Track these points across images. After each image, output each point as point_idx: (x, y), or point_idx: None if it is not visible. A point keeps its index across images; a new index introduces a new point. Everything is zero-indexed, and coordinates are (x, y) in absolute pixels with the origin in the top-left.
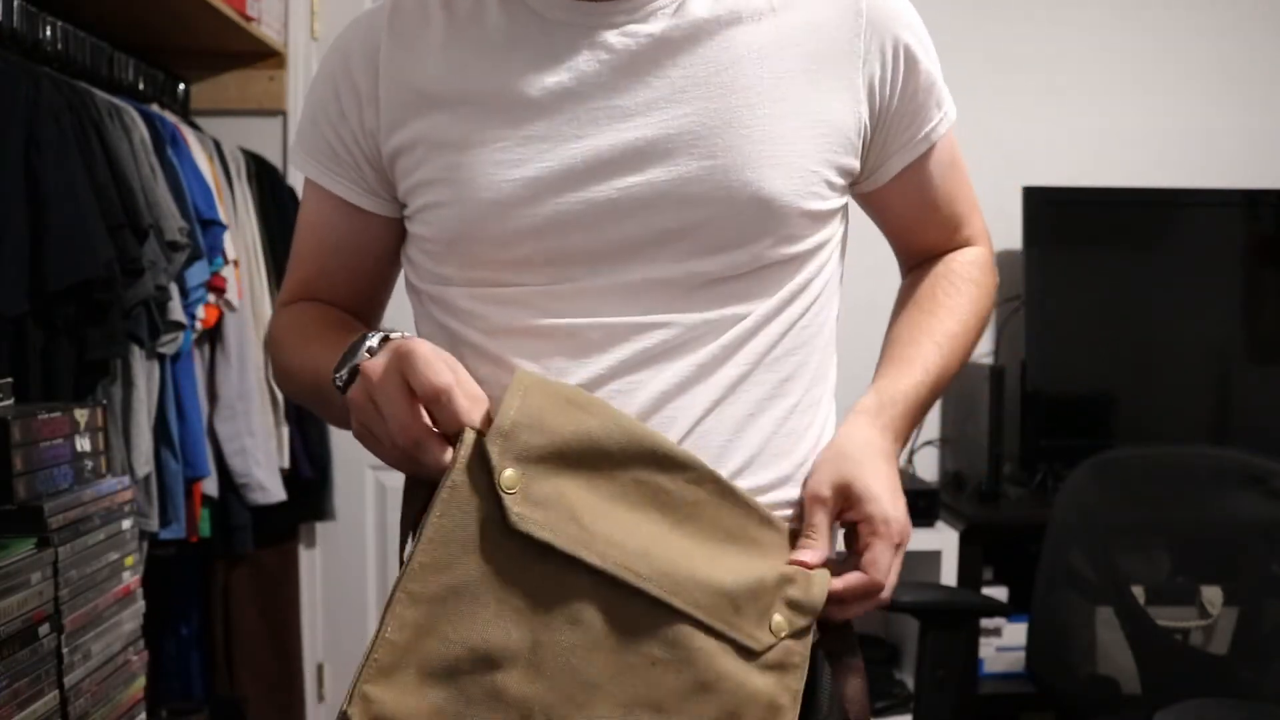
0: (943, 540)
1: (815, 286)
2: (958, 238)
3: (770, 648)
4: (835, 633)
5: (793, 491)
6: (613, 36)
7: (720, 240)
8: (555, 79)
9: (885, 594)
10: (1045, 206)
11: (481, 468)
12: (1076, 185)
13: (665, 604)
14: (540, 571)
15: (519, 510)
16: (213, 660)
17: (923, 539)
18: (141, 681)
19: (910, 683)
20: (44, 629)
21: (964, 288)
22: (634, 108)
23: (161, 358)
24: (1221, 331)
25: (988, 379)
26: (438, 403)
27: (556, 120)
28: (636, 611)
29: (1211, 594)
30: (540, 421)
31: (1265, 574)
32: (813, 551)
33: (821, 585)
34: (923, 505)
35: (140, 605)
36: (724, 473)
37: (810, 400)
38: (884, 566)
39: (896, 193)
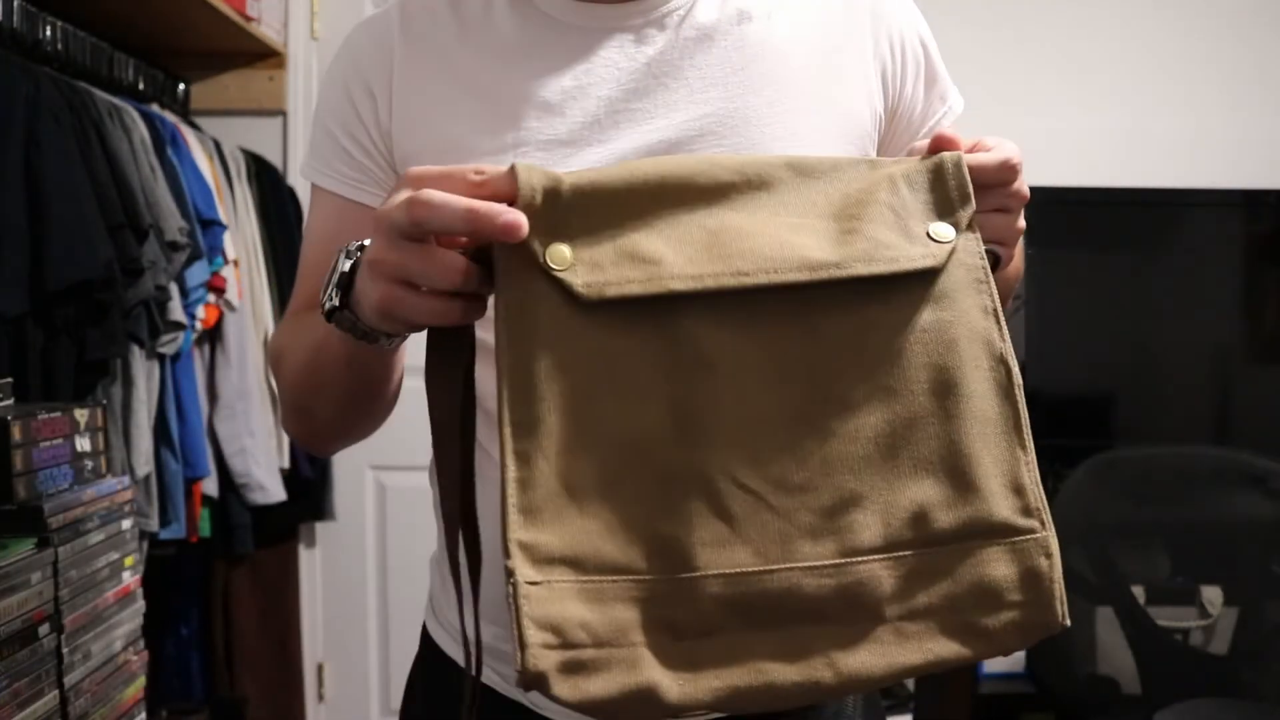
0: None
1: None
2: None
3: (947, 264)
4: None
5: None
6: (628, 39)
7: None
8: (573, 82)
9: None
10: (1045, 206)
11: (524, 264)
12: (1077, 185)
13: (798, 283)
14: (642, 334)
15: (585, 279)
16: (213, 660)
17: None
18: (141, 681)
19: (910, 683)
20: (44, 629)
21: None
22: (653, 109)
23: (161, 358)
24: (1221, 331)
25: None
26: (473, 186)
27: (576, 124)
28: (771, 314)
29: (1211, 594)
30: (564, 186)
31: (1265, 574)
32: (945, 131)
33: (958, 162)
34: None
35: (140, 605)
36: None
37: None
38: (1013, 150)
39: None
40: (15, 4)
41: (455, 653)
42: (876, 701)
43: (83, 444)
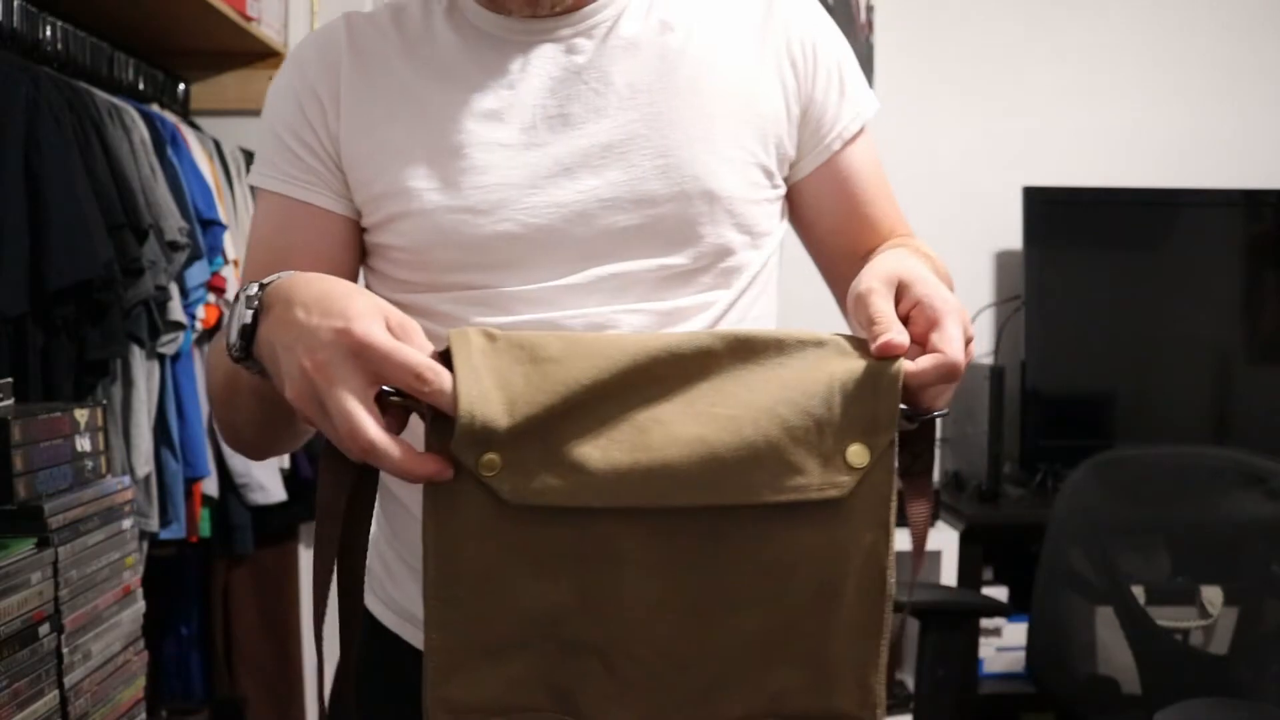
0: (943, 540)
1: (763, 279)
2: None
3: (853, 490)
4: (910, 444)
5: None
6: (559, 50)
7: (680, 234)
8: (509, 91)
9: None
10: (1045, 206)
11: (455, 466)
12: (1076, 185)
13: (708, 505)
14: (560, 529)
15: (511, 485)
16: (213, 660)
17: None
18: (141, 681)
19: (910, 683)
20: (44, 629)
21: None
22: (585, 115)
23: (161, 358)
24: (1221, 331)
25: (988, 379)
26: (414, 386)
27: (515, 130)
28: (677, 524)
29: (1211, 594)
30: (500, 390)
31: (1265, 574)
32: (892, 334)
33: (895, 392)
34: None
35: (140, 605)
36: None
37: None
38: (955, 340)
39: (819, 189)
40: (15, 4)
41: (396, 625)
42: None
43: (83, 444)
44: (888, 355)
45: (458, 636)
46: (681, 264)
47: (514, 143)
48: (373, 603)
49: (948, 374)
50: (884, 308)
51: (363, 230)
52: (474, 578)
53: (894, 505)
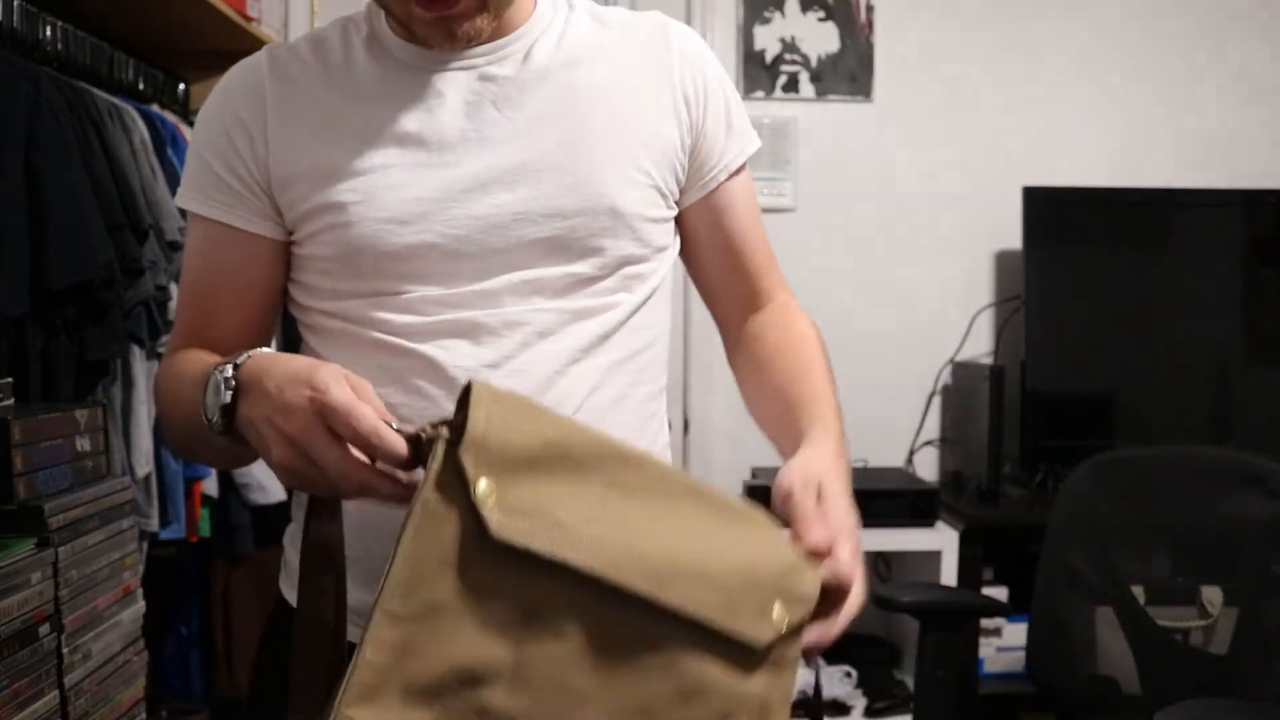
0: (943, 540)
1: (661, 292)
2: (762, 282)
3: (771, 646)
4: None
5: None
6: (473, 78)
7: (586, 245)
8: (428, 114)
9: (854, 599)
10: (1045, 206)
11: (455, 481)
12: (1076, 185)
13: (654, 605)
14: (521, 582)
15: (498, 519)
16: (213, 660)
17: (923, 539)
18: (141, 681)
19: (910, 683)
20: (44, 629)
21: (812, 334)
22: (499, 137)
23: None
24: (1221, 331)
25: (988, 379)
26: (369, 445)
27: (434, 150)
28: (623, 616)
29: (1211, 594)
30: (509, 430)
31: (1265, 574)
32: (818, 534)
33: (815, 579)
34: (923, 505)
35: (140, 605)
36: None
37: (659, 388)
38: (850, 566)
39: (698, 219)
40: (15, 4)
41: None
42: None
43: (83, 444)
44: (813, 556)
45: (387, 660)
46: (587, 272)
47: (433, 162)
48: (289, 591)
49: (839, 591)
50: (812, 508)
51: (291, 245)
52: (428, 607)
53: (794, 677)
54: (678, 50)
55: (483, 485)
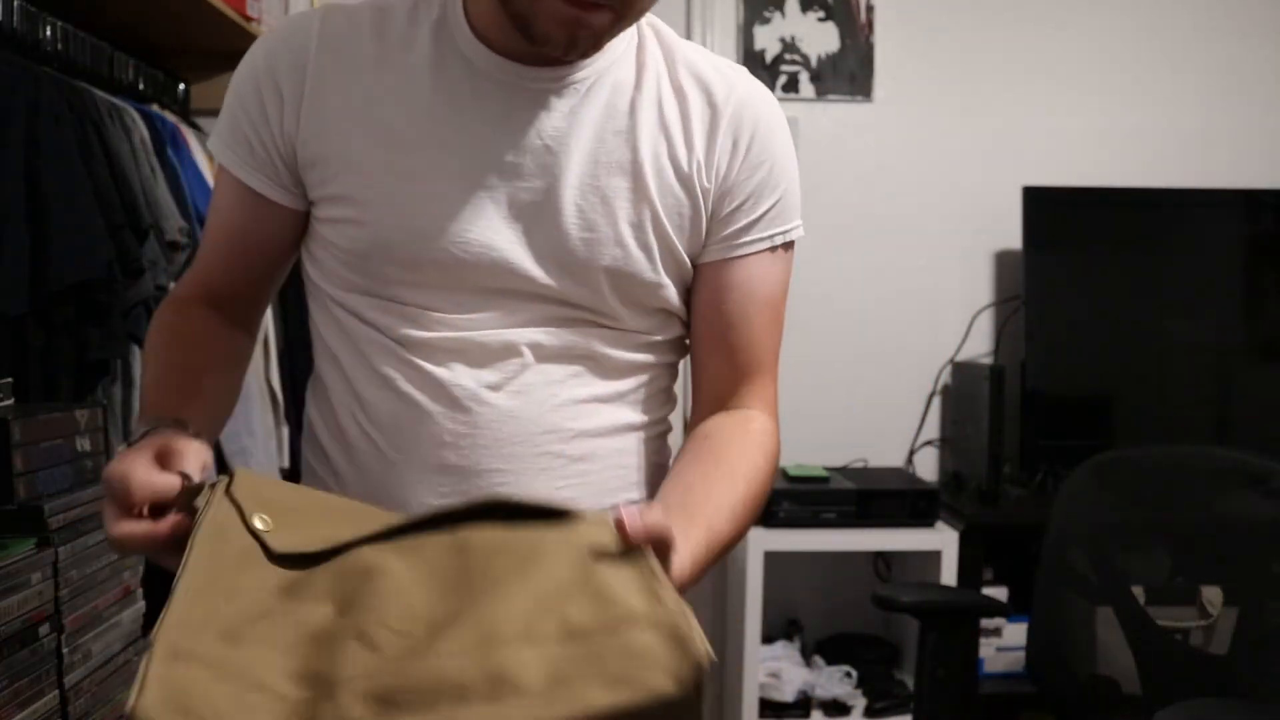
0: (943, 540)
1: (661, 352)
2: (746, 383)
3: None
4: None
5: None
6: (528, 101)
7: (585, 299)
8: (474, 128)
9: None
10: (1045, 206)
11: (229, 510)
12: (1076, 185)
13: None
14: (319, 565)
15: (278, 543)
16: None
17: (923, 539)
18: None
19: (910, 683)
20: (44, 629)
21: (764, 466)
22: (534, 170)
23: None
24: (1221, 331)
25: (988, 379)
26: (126, 494)
27: (468, 167)
28: (429, 543)
29: (1211, 594)
30: (269, 487)
31: (1265, 574)
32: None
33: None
34: (923, 505)
35: (140, 605)
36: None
37: (662, 417)
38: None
39: (704, 280)
40: (15, 4)
41: None
42: None
43: (83, 444)
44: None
45: (193, 659)
46: (585, 315)
47: (464, 180)
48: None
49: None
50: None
51: (311, 214)
52: (229, 592)
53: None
54: (735, 110)
55: (259, 517)
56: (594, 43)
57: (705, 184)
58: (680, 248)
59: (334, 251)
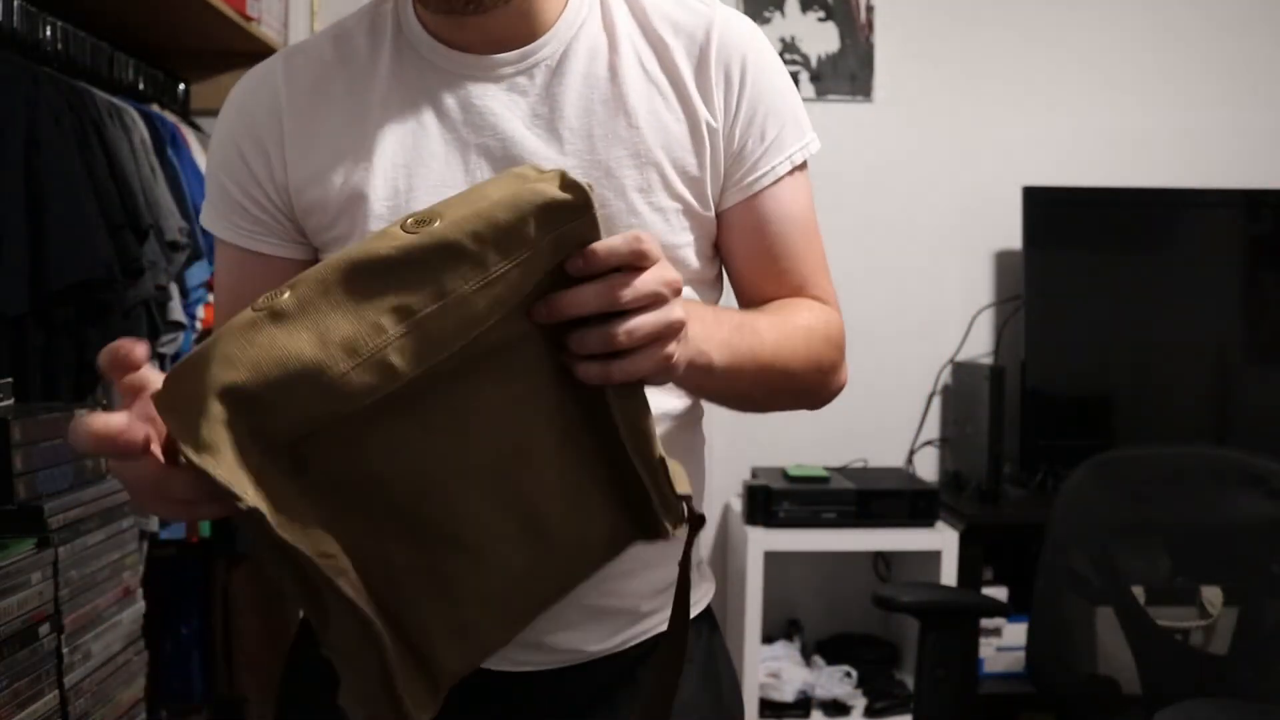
0: (943, 540)
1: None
2: (803, 296)
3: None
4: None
5: None
6: (503, 90)
7: None
8: (455, 133)
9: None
10: (1045, 206)
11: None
12: (1076, 185)
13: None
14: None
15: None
16: (213, 660)
17: (923, 539)
18: (141, 681)
19: (910, 683)
20: (44, 629)
21: (818, 314)
22: (525, 159)
23: (162, 358)
24: (1221, 331)
25: (988, 379)
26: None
27: (461, 170)
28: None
29: (1211, 594)
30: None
31: (1265, 574)
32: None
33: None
34: (923, 505)
35: (140, 605)
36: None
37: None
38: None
39: (734, 225)
40: (15, 4)
41: None
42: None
43: None
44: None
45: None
46: None
47: (460, 184)
48: None
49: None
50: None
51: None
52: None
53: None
54: (720, 40)
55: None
56: None
57: (713, 123)
58: (695, 202)
59: None
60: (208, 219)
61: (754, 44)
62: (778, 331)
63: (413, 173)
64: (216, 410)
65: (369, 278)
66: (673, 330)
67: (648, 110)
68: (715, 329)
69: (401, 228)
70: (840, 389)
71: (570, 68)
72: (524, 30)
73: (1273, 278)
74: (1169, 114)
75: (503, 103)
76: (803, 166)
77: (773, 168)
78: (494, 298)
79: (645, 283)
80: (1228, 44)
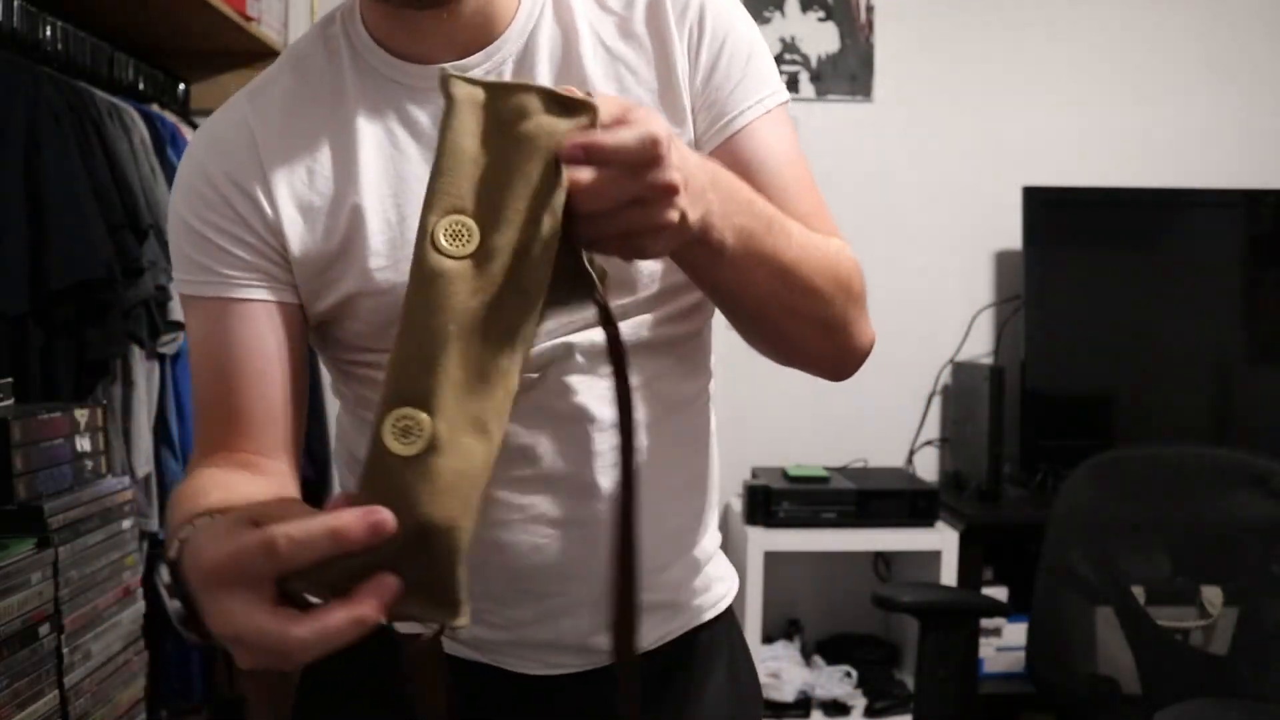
0: (943, 540)
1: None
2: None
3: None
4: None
5: None
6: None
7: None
8: (432, 150)
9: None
10: (1045, 206)
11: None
12: (1076, 185)
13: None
14: None
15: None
16: (213, 660)
17: (923, 539)
18: (141, 681)
19: (910, 683)
20: (44, 629)
21: (841, 250)
22: None
23: (161, 358)
24: (1221, 331)
25: (988, 379)
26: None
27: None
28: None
29: (1211, 594)
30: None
31: (1265, 574)
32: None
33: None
34: (923, 505)
35: (140, 605)
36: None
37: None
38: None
39: None
40: (15, 4)
41: None
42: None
43: (83, 444)
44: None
45: None
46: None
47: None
48: None
49: (649, 146)
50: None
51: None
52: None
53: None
54: (674, 14)
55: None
56: None
57: (680, 81)
58: None
59: (352, 331)
60: (184, 283)
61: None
62: (807, 239)
63: (401, 201)
64: (460, 571)
65: (480, 352)
66: (668, 191)
67: (617, 90)
68: (735, 209)
69: (441, 253)
70: (867, 349)
71: (535, 63)
72: (483, 33)
73: (1273, 278)
74: (1169, 114)
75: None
76: (781, 109)
77: (747, 106)
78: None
79: (657, 178)
80: (1228, 44)
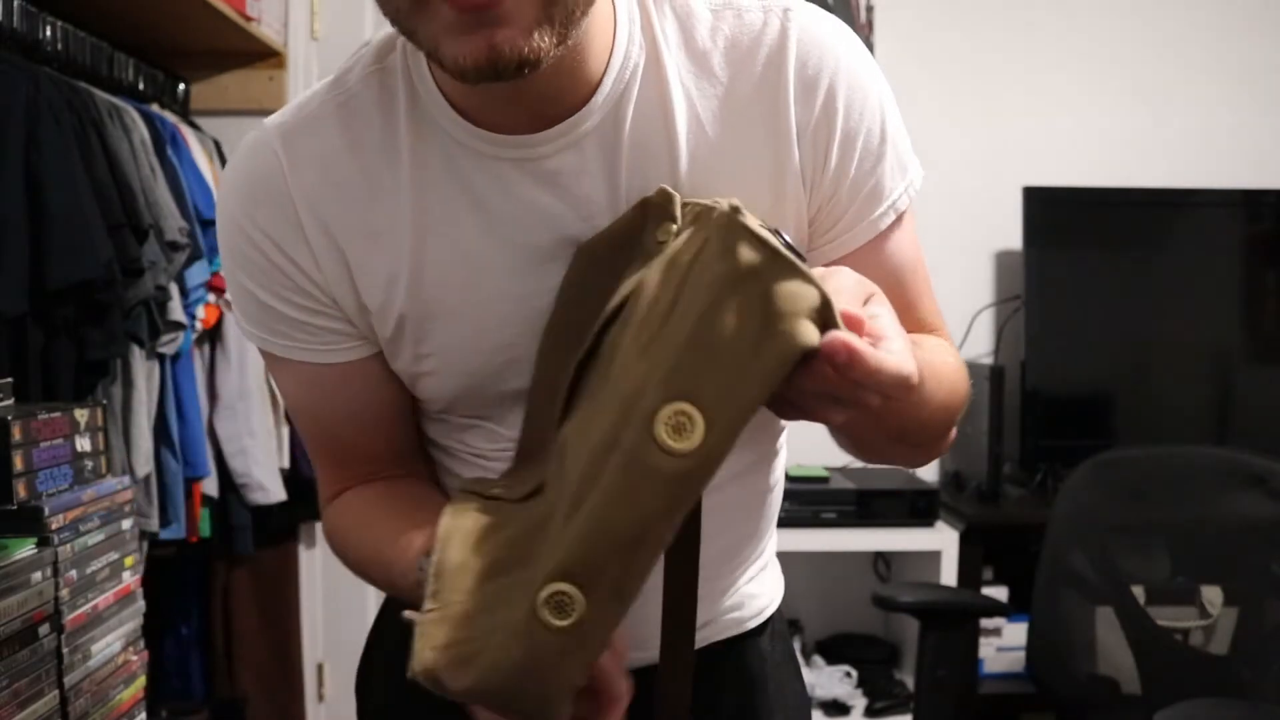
0: (943, 540)
1: None
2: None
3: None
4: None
5: None
6: (550, 178)
7: None
8: (500, 226)
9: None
10: (1045, 206)
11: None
12: (1076, 185)
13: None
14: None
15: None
16: (213, 660)
17: (923, 539)
18: (141, 681)
19: (910, 683)
20: (44, 629)
21: (957, 366)
22: (572, 249)
23: (161, 358)
24: (1221, 331)
25: (988, 379)
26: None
27: (517, 274)
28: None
29: (1211, 594)
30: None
31: (1265, 574)
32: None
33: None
34: (923, 505)
35: (140, 605)
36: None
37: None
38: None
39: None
40: (15, 4)
41: None
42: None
43: (83, 444)
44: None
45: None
46: None
47: (519, 291)
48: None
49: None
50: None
51: None
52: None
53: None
54: (794, 56)
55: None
56: (531, 47)
57: (794, 165)
58: None
59: (421, 396)
60: (261, 339)
61: (840, 49)
62: (942, 377)
63: (474, 275)
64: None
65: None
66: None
67: (715, 176)
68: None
69: (663, 450)
70: (945, 451)
71: (623, 136)
72: (562, 104)
73: (1273, 278)
74: (1169, 114)
75: (541, 187)
76: (910, 203)
77: (884, 211)
78: None
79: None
80: (1228, 44)
